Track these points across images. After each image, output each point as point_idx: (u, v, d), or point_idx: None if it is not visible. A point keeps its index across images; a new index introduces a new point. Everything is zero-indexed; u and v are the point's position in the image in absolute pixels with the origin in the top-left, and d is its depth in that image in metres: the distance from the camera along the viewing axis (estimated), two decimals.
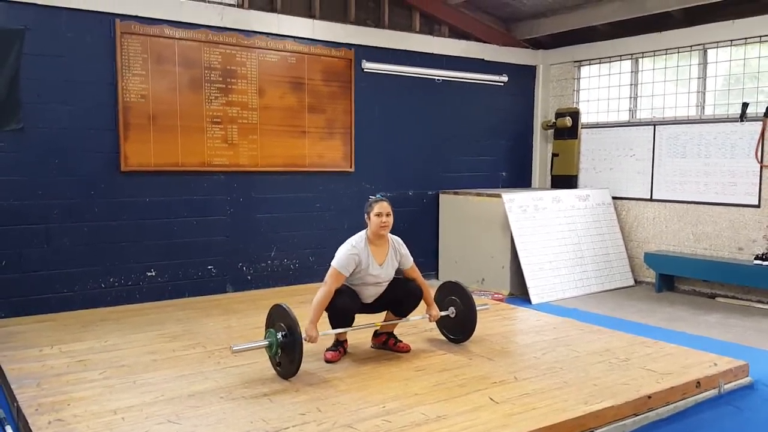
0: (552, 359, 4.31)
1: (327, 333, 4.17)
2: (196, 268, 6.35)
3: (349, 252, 4.18)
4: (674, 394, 3.77)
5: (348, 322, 4.27)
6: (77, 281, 5.75)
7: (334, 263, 4.18)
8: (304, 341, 3.85)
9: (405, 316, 4.47)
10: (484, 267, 7.33)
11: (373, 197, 4.34)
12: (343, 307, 4.19)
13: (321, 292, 4.12)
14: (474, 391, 3.70)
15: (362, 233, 4.32)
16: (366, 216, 4.29)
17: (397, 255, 4.39)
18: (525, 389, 3.73)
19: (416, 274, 4.49)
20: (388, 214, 4.23)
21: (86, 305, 5.73)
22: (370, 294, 4.34)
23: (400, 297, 4.41)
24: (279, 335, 3.86)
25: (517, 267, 6.91)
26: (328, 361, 4.21)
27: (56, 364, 4.14)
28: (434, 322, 4.64)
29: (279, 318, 3.93)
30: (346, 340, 4.42)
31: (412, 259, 4.48)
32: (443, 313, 4.60)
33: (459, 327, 4.66)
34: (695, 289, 7.22)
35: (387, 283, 4.36)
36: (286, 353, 3.87)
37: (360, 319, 4.38)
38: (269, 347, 3.92)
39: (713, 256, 7.01)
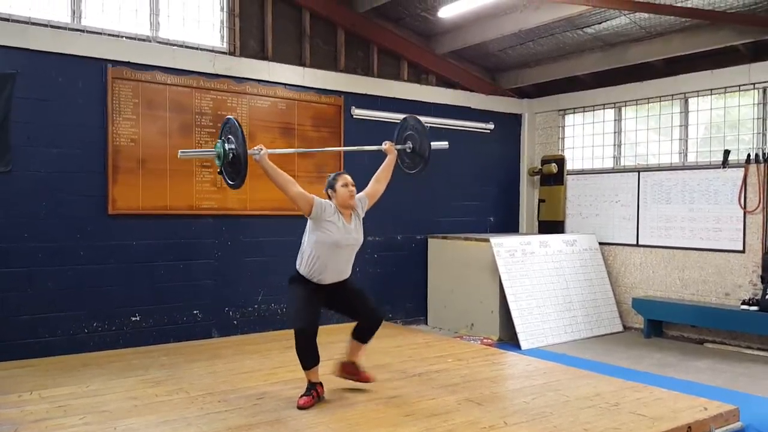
0: (542, 404, 4.26)
1: (277, 151, 4.50)
2: (182, 313, 6.27)
3: (322, 200, 4.30)
4: None
5: (315, 345, 4.14)
6: (60, 326, 5.65)
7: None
8: (252, 156, 4.09)
9: (366, 342, 4.44)
10: (473, 312, 7.30)
11: (332, 174, 4.46)
12: (310, 324, 4.11)
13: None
14: None
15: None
16: (330, 190, 4.37)
17: (361, 207, 4.49)
18: None
19: (382, 176, 4.71)
20: (353, 184, 4.39)
21: (69, 350, 5.62)
22: (333, 266, 4.27)
23: (360, 318, 4.42)
24: (227, 147, 4.10)
25: (506, 312, 6.88)
26: (301, 408, 4.07)
27: (36, 410, 4.04)
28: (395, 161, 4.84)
29: (229, 131, 4.15)
30: (320, 383, 4.26)
31: (369, 184, 4.66)
32: (398, 147, 4.86)
33: (416, 158, 4.92)
34: (683, 335, 7.21)
35: (353, 249, 4.38)
36: (232, 166, 4.13)
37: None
38: (218, 157, 4.15)
39: (700, 302, 7.03)
